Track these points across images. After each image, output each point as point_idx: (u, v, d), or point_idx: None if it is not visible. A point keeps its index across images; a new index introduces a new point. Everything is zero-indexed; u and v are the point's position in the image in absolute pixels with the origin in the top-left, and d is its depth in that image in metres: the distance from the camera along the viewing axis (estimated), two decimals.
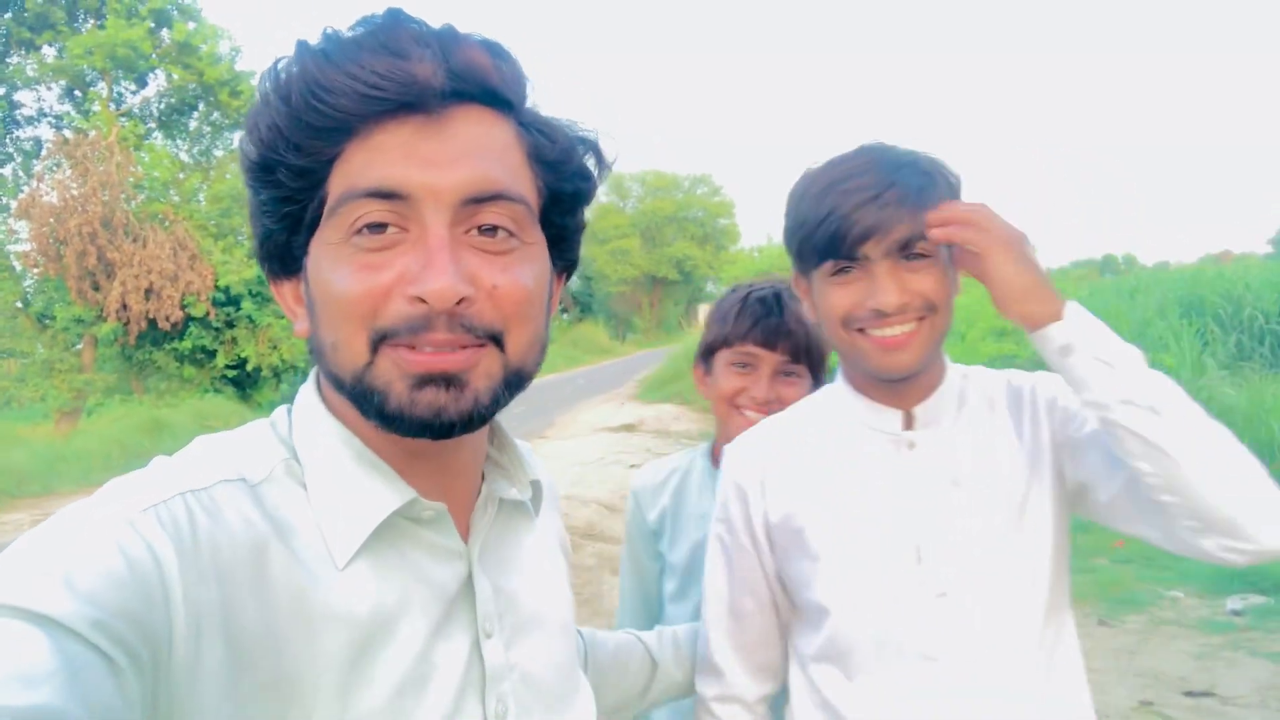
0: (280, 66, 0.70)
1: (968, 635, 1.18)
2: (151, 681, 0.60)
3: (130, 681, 0.58)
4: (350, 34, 0.70)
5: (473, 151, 0.71)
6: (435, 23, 0.73)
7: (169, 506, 0.66)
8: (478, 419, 0.73)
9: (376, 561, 0.74)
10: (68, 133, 17.94)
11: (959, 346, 10.77)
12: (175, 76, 19.76)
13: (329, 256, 0.71)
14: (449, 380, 0.70)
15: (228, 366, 18.21)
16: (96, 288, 16.35)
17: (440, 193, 0.69)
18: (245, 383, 18.66)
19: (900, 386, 1.25)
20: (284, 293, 0.79)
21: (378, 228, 0.69)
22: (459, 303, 0.69)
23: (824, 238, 1.19)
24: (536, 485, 0.92)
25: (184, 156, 21.55)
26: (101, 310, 16.34)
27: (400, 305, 0.69)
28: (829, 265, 1.20)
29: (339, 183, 0.69)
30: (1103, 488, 1.18)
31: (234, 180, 20.50)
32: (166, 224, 17.14)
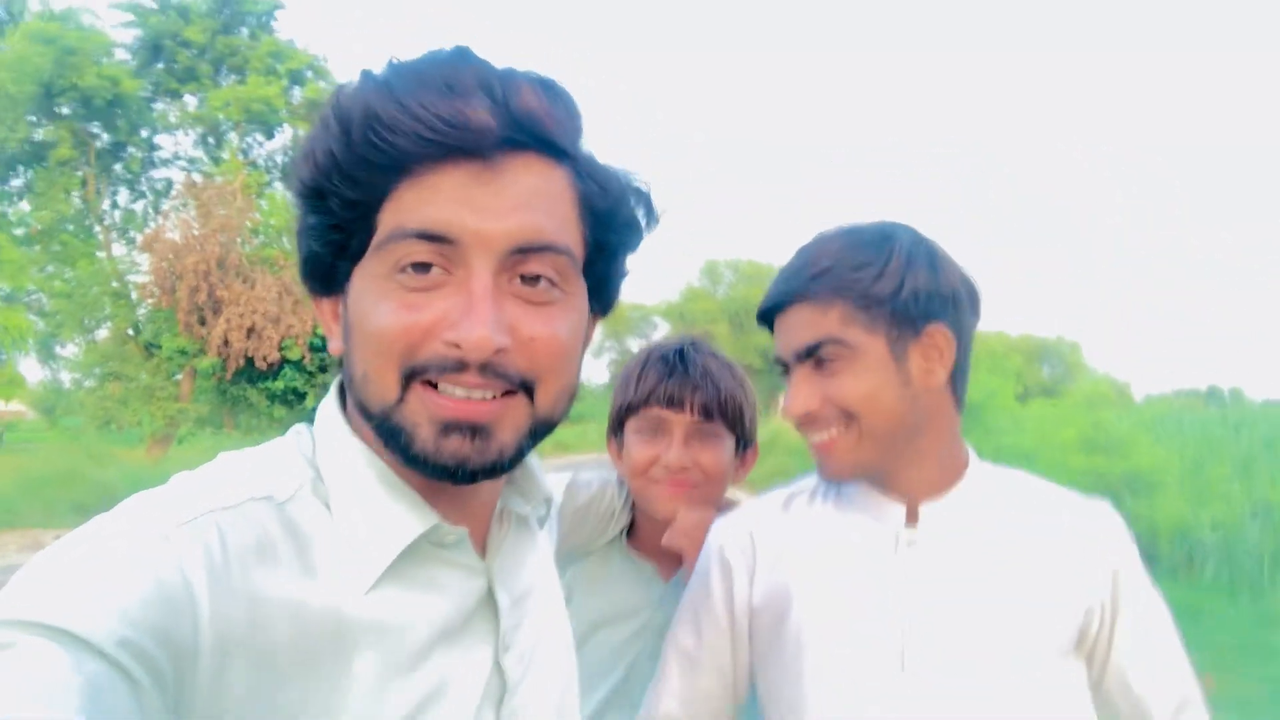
0: (343, 95, 0.70)
1: None
2: (175, 700, 0.59)
3: (152, 700, 0.57)
4: (414, 69, 0.70)
5: (525, 202, 0.71)
6: (497, 53, 0.73)
7: (200, 524, 0.65)
8: (501, 469, 0.73)
9: (400, 583, 0.74)
10: (197, 176, 19.09)
11: (1049, 454, 10.37)
12: (301, 131, 20.93)
13: (372, 289, 0.71)
14: (475, 430, 0.70)
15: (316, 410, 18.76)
16: (203, 322, 17.15)
17: (489, 241, 0.69)
18: None
19: (901, 478, 1.15)
20: (324, 309, 0.79)
21: (423, 268, 0.69)
22: (495, 353, 0.69)
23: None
24: (548, 502, 0.92)
25: None
26: (204, 344, 17.08)
27: (436, 346, 0.69)
28: (779, 366, 1.19)
29: (389, 218, 0.70)
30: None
31: None
32: (276, 269, 17.95)
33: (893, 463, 1.13)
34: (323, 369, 18.61)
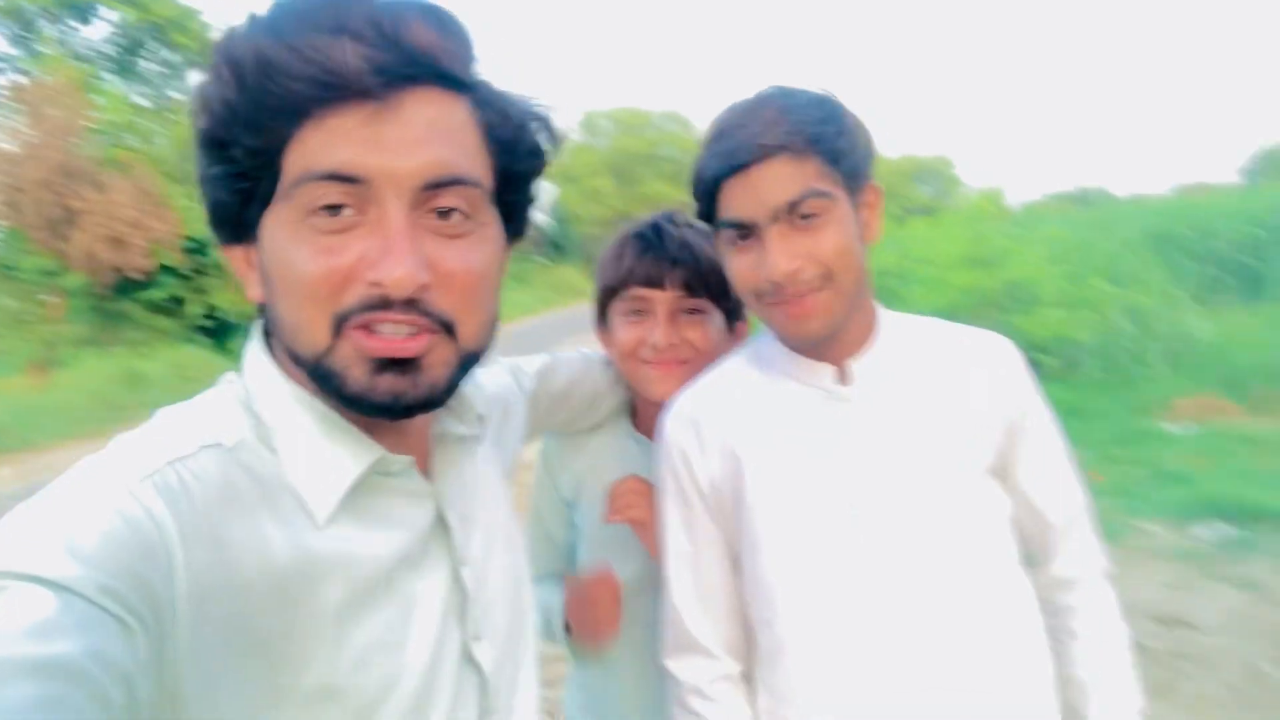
0: (233, 41, 0.70)
1: (906, 596, 1.15)
2: (158, 645, 0.62)
3: (139, 643, 0.60)
4: (301, 10, 0.69)
5: (429, 136, 0.71)
6: None
7: (163, 475, 0.67)
8: (435, 402, 0.76)
9: (355, 514, 0.78)
10: (17, 76, 17.36)
11: (933, 274, 10.79)
12: (122, 14, 19.12)
13: (286, 234, 0.71)
14: (405, 365, 0.73)
15: (201, 316, 17.99)
16: (61, 237, 15.99)
17: (399, 178, 0.70)
18: (219, 332, 18.45)
19: (829, 340, 1.19)
20: (236, 257, 0.79)
21: (334, 209, 0.70)
22: (418, 289, 0.71)
23: (715, 207, 1.15)
24: (481, 420, 0.97)
25: (138, 99, 20.95)
26: (67, 260, 16.00)
27: (359, 288, 0.70)
28: (727, 234, 1.16)
29: (295, 162, 0.70)
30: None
31: None
32: (127, 170, 16.73)
33: (847, 319, 1.18)
34: (200, 271, 17.75)
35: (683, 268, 1.41)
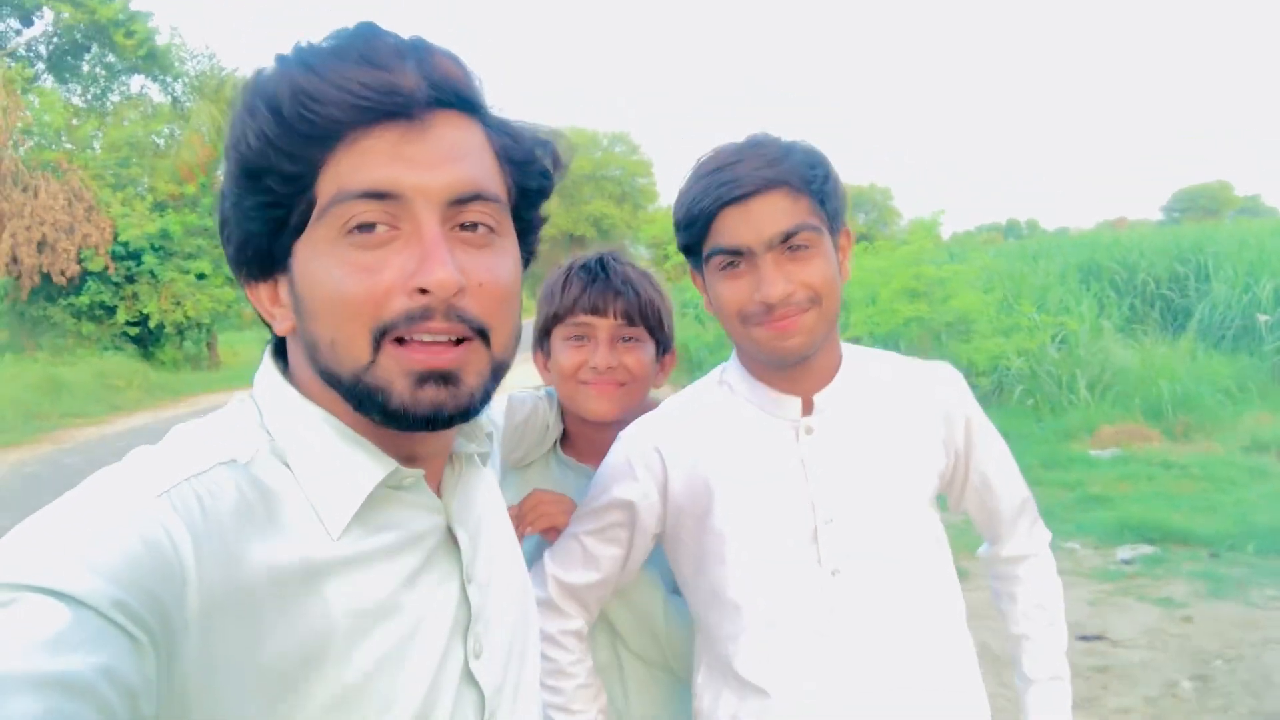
0: (263, 78, 0.73)
1: (859, 612, 1.26)
2: (166, 662, 0.62)
3: (149, 660, 0.60)
4: (330, 47, 0.73)
5: (455, 154, 0.76)
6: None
7: (179, 492, 0.68)
8: (472, 413, 0.78)
9: (367, 529, 0.79)
10: None
11: (871, 309, 11.05)
12: (65, 15, 18.67)
13: (321, 256, 0.74)
14: (446, 378, 0.75)
15: (129, 323, 17.50)
16: None
17: (430, 192, 0.74)
18: (147, 340, 17.98)
19: (797, 373, 1.29)
20: (260, 295, 0.81)
21: (368, 227, 0.73)
22: (456, 294, 0.74)
23: (707, 235, 1.23)
24: (490, 437, 0.99)
25: (76, 101, 20.43)
26: None
27: (401, 300, 0.73)
28: (717, 260, 1.23)
29: (329, 185, 0.73)
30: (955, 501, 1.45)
31: (133, 128, 19.56)
32: (60, 173, 16.27)
33: (826, 347, 1.29)
34: (130, 279, 17.28)
35: (624, 299, 1.53)
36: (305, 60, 0.72)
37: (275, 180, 0.73)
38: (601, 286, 1.54)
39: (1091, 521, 6.22)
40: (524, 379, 1.65)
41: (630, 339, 1.55)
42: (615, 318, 1.53)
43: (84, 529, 0.62)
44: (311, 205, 0.74)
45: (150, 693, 0.59)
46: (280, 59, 0.74)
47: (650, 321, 1.56)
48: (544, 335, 1.62)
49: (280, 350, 0.85)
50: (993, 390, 10.01)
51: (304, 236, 0.75)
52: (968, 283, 10.83)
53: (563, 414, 1.63)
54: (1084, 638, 4.41)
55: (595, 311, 1.53)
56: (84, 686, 0.54)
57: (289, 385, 0.81)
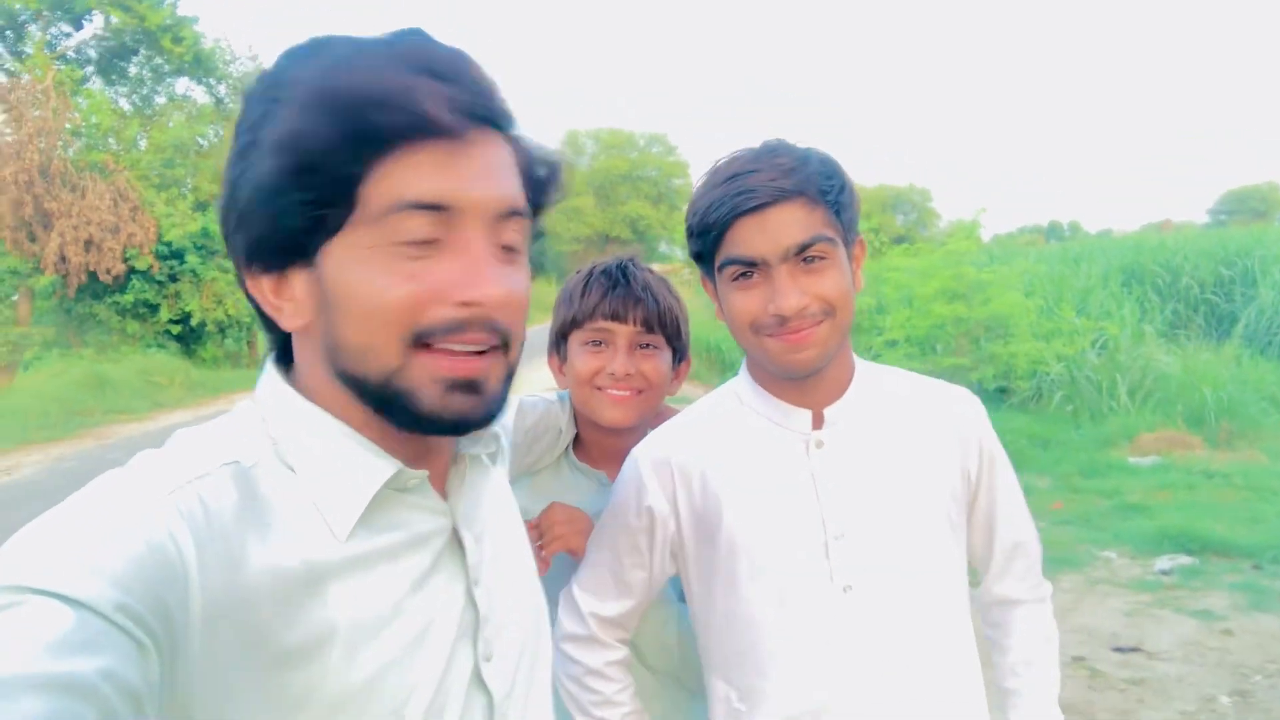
0: (316, 73, 0.73)
1: (871, 629, 1.24)
2: (169, 665, 0.62)
3: (152, 663, 0.60)
4: (386, 49, 0.74)
5: (495, 171, 0.77)
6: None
7: (183, 495, 0.68)
8: (491, 419, 0.80)
9: (370, 530, 0.79)
10: (1, 76, 17.22)
11: (908, 310, 10.92)
12: (114, 20, 19.06)
13: (364, 261, 0.74)
14: (472, 386, 0.77)
15: (171, 321, 17.82)
16: (33, 239, 15.83)
17: (481, 207, 0.76)
18: (189, 338, 18.30)
19: (808, 386, 1.27)
20: (262, 287, 0.79)
21: (420, 238, 0.74)
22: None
23: (721, 244, 1.22)
24: (497, 438, 0.98)
25: (124, 103, 20.87)
26: (38, 262, 15.82)
27: (444, 310, 0.74)
28: (730, 270, 1.22)
29: (380, 192, 0.73)
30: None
31: (177, 129, 19.92)
32: (107, 173, 16.60)
33: (833, 359, 1.26)
34: (173, 278, 17.60)
35: (644, 306, 1.53)
36: (363, 62, 0.73)
37: (324, 180, 0.72)
38: (622, 293, 1.54)
39: (1129, 531, 6.10)
40: (532, 384, 1.64)
41: (648, 346, 1.55)
42: (635, 325, 1.53)
43: (88, 532, 0.62)
44: (352, 207, 0.73)
45: (153, 695, 0.60)
46: (330, 55, 0.74)
47: (668, 329, 1.56)
48: (561, 338, 1.61)
49: (281, 354, 0.85)
50: (1031, 396, 9.86)
51: (341, 237, 0.74)
52: (1008, 285, 10.68)
53: (576, 418, 1.62)
54: (1119, 649, 4.32)
55: (615, 318, 1.53)
56: (87, 688, 0.55)
57: (291, 389, 0.81)
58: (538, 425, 1.55)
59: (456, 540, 0.87)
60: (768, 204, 1.17)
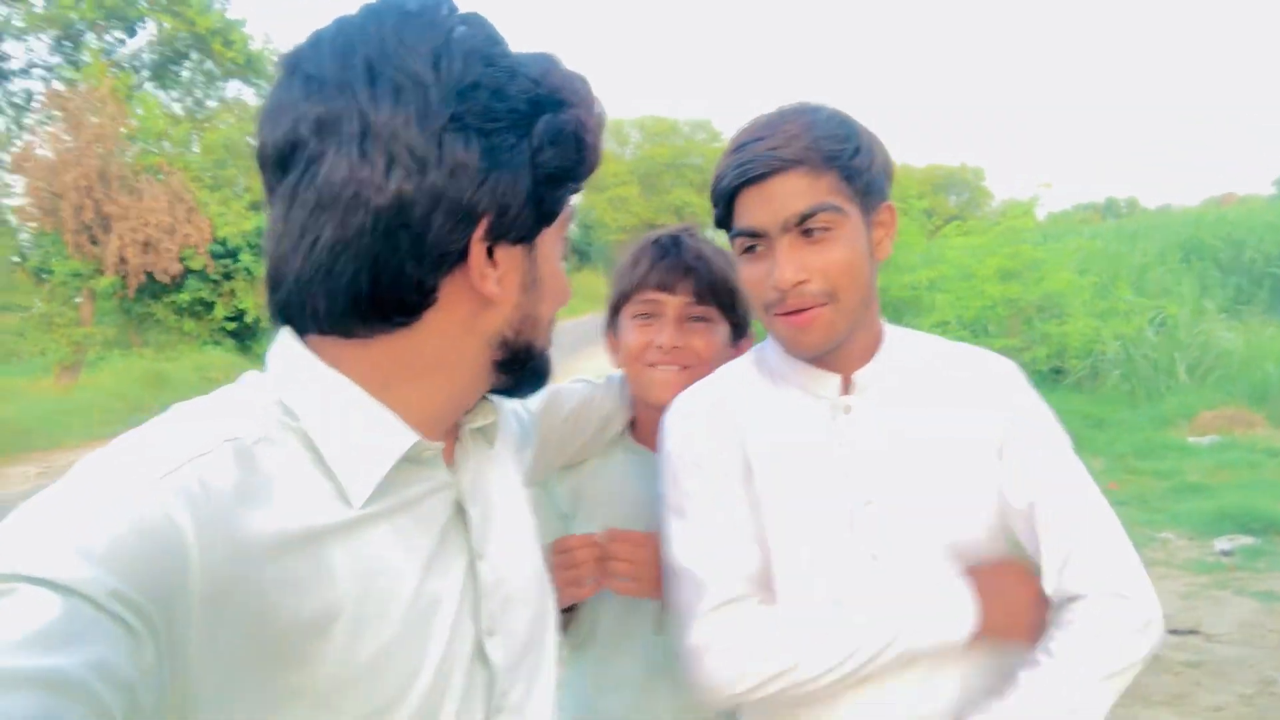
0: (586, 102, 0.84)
1: (898, 598, 1.18)
2: (167, 650, 0.60)
3: (147, 650, 0.59)
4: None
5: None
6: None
7: (182, 475, 0.65)
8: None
9: (381, 501, 0.77)
10: (59, 85, 17.72)
11: (966, 285, 10.71)
12: (166, 26, 19.47)
13: (555, 253, 0.89)
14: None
15: (226, 319, 18.18)
16: (94, 241, 16.26)
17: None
18: (244, 335, 18.66)
19: (834, 353, 1.22)
20: (481, 253, 0.79)
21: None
22: None
23: (730, 215, 1.19)
24: (495, 410, 0.97)
25: (176, 107, 21.31)
26: (100, 264, 16.26)
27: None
28: (739, 242, 1.19)
29: (558, 198, 0.84)
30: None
31: (228, 130, 20.31)
32: (162, 176, 17.00)
33: (849, 334, 1.20)
34: (228, 276, 17.95)
35: (694, 276, 1.46)
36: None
37: (566, 192, 0.84)
38: (671, 262, 1.47)
39: (1188, 511, 5.96)
40: (599, 371, 1.60)
41: (700, 319, 1.47)
42: (684, 295, 1.46)
43: (82, 515, 0.60)
44: (559, 207, 0.85)
45: (149, 682, 0.58)
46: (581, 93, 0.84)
47: (723, 301, 1.47)
48: (614, 314, 1.55)
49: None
50: (1088, 375, 9.65)
51: (550, 230, 0.85)
52: (1062, 264, 10.44)
53: (634, 400, 1.54)
54: (1176, 632, 4.22)
55: (663, 288, 1.46)
56: (74, 684, 0.53)
57: (309, 353, 0.79)
58: (578, 412, 1.48)
59: (460, 513, 0.86)
60: (766, 174, 1.13)
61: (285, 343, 0.81)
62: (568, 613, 1.48)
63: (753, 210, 1.16)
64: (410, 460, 0.80)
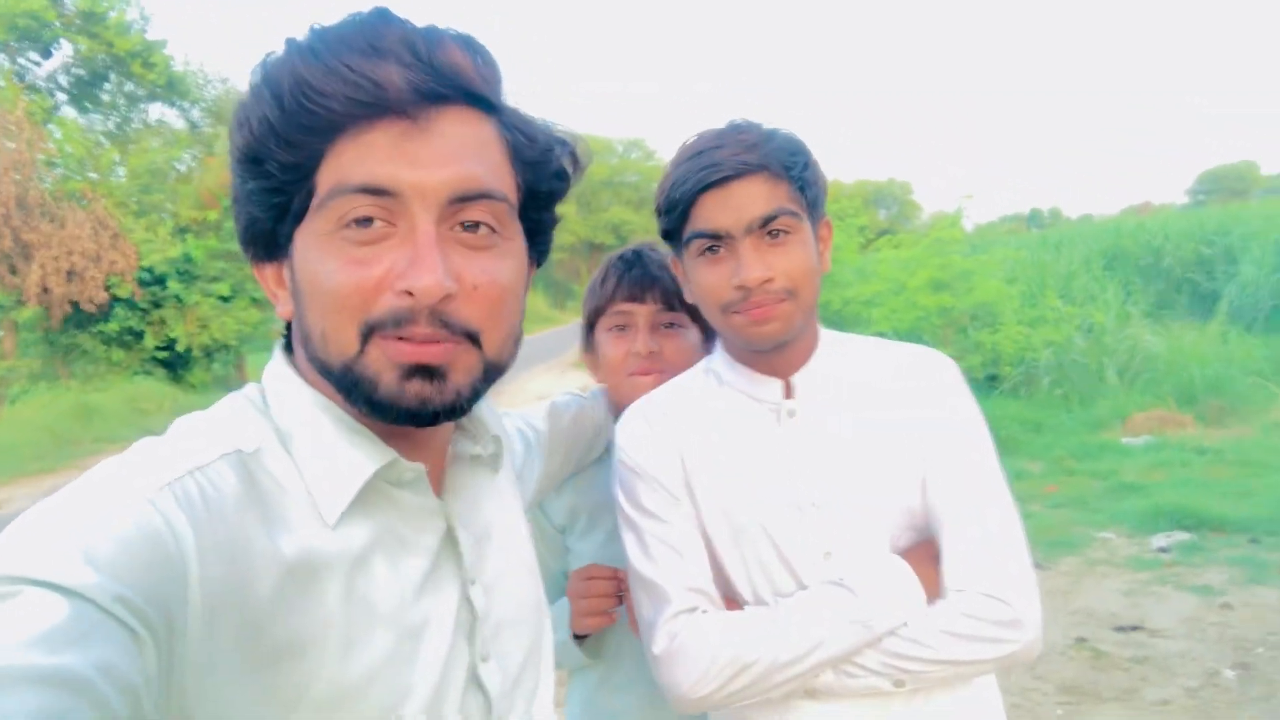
0: (270, 62, 0.73)
1: (856, 588, 1.20)
2: (167, 657, 0.61)
3: (149, 655, 0.60)
4: (338, 33, 0.72)
5: (458, 152, 0.74)
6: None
7: (182, 484, 0.67)
8: (459, 410, 0.77)
9: (365, 521, 0.78)
10: None
11: (898, 299, 10.94)
12: (83, 47, 18.96)
13: (317, 247, 0.74)
14: (432, 372, 0.74)
15: (157, 348, 17.66)
16: (14, 271, 15.69)
17: (428, 191, 0.72)
18: (176, 364, 18.16)
19: (776, 356, 1.28)
20: (266, 275, 0.81)
21: (365, 222, 0.72)
22: (443, 299, 0.73)
23: (687, 219, 1.22)
24: (497, 441, 0.97)
25: (98, 130, 20.75)
26: (21, 294, 15.69)
27: (388, 298, 0.72)
28: (697, 244, 1.23)
29: (329, 176, 0.72)
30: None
31: (154, 154, 19.82)
32: (85, 202, 16.49)
33: (799, 334, 1.26)
34: (157, 304, 17.47)
35: (660, 285, 1.54)
36: (311, 47, 0.72)
37: (275, 167, 0.73)
38: (638, 274, 1.55)
39: (1125, 510, 6.14)
40: (528, 394, 1.62)
41: (671, 325, 1.56)
42: (653, 303, 1.54)
43: (86, 522, 0.61)
44: (311, 194, 0.73)
45: (150, 688, 0.59)
46: (289, 44, 0.73)
47: (690, 306, 1.47)
48: (589, 332, 1.63)
49: (289, 342, 0.85)
50: (1021, 382, 9.90)
51: (303, 225, 0.75)
52: (992, 273, 10.72)
53: (617, 404, 1.58)
54: (1121, 629, 4.34)
55: (633, 299, 1.55)
56: (81, 683, 0.53)
57: (293, 373, 0.81)
58: (574, 424, 1.53)
59: (452, 539, 0.86)
60: (731, 177, 1.18)
61: (274, 361, 0.83)
62: (584, 636, 1.53)
63: (715, 213, 1.20)
64: (393, 483, 0.81)
